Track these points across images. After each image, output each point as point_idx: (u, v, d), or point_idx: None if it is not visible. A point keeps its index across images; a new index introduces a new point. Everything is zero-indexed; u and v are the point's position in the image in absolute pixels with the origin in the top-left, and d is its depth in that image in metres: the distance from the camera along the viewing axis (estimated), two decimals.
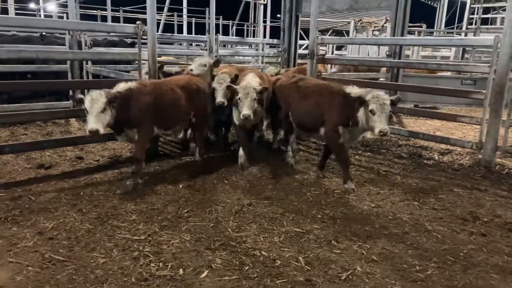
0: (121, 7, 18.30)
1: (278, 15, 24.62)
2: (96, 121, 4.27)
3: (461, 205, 4.49)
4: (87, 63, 8.12)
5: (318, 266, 3.22)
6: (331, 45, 14.02)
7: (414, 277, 3.08)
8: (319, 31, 13.80)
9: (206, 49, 9.27)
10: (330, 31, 17.47)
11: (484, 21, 18.91)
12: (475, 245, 3.59)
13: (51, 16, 18.19)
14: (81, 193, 4.56)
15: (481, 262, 3.32)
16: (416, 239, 3.68)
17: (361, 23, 13.43)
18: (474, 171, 5.65)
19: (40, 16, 18.95)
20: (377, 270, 3.17)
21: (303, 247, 3.52)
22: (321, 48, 8.35)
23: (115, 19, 17.99)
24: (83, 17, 16.36)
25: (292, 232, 3.80)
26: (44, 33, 9.13)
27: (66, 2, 9.70)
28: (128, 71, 8.18)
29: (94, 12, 18.23)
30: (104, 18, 17.75)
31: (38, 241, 3.48)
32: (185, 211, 4.20)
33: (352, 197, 4.65)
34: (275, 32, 18.10)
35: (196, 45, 16.85)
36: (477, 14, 16.99)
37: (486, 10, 18.21)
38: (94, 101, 4.30)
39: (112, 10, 17.33)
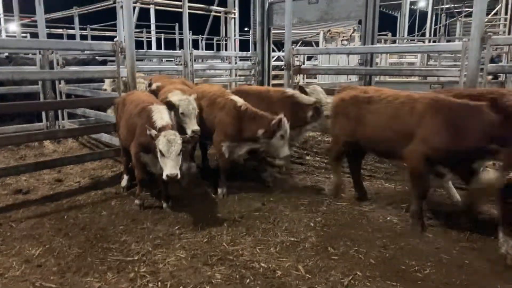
0: (88, 25, 17.97)
1: (246, 28, 24.97)
2: (175, 166, 3.94)
3: (448, 203, 4.63)
4: (60, 83, 7.89)
5: (318, 274, 3.23)
6: (302, 56, 14.28)
7: (414, 278, 3.14)
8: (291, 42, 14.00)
9: (180, 64, 9.25)
10: (300, 42, 17.83)
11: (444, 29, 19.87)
12: (466, 242, 3.71)
13: (14, 37, 17.61)
14: (65, 217, 4.39)
15: (473, 259, 3.42)
16: (410, 240, 3.76)
17: (330, 34, 13.79)
18: None
19: (1, 36, 18.32)
20: (377, 273, 3.21)
21: (300, 256, 3.53)
22: (296, 59, 8.50)
23: (83, 38, 17.63)
24: (49, 36, 15.94)
25: (288, 241, 3.79)
26: (8, 54, 8.85)
27: (31, 22, 9.46)
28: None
29: (60, 31, 17.82)
30: (71, 37, 17.36)
31: (26, 270, 3.31)
32: (176, 228, 4.11)
33: (342, 204, 4.70)
34: (242, 46, 18.31)
35: (167, 60, 16.78)
36: (440, 22, 17.83)
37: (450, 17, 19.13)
38: (172, 143, 3.95)
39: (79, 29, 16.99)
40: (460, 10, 17.84)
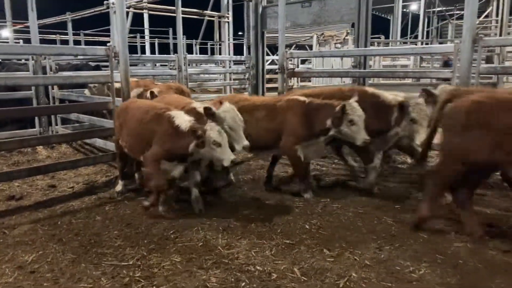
0: (81, 31, 17.95)
1: (239, 32, 25.03)
2: (230, 152, 4.19)
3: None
4: (53, 88, 7.86)
5: (314, 276, 3.22)
6: (296, 59, 14.35)
7: (409, 278, 3.15)
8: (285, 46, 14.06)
9: (175, 68, 9.25)
10: (294, 45, 17.92)
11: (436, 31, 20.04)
12: (461, 242, 3.72)
13: (7, 43, 17.53)
14: (59, 223, 4.36)
15: (467, 258, 3.44)
16: (404, 241, 3.77)
17: (323, 37, 13.89)
18: None
19: None
20: (372, 274, 3.21)
21: (296, 258, 3.52)
22: (289, 62, 8.54)
23: (76, 43, 17.60)
24: (42, 42, 15.90)
25: (283, 244, 3.79)
26: (0, 60, 8.81)
27: (24, 28, 9.43)
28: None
29: (53, 36, 17.77)
30: (64, 42, 17.32)
31: (19, 276, 3.27)
32: (171, 232, 4.09)
33: (337, 206, 4.71)
34: (237, 49, 18.37)
35: (161, 65, 16.78)
36: (432, 25, 17.99)
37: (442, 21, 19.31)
38: (221, 132, 4.18)
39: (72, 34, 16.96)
40: (451, 12, 18.01)
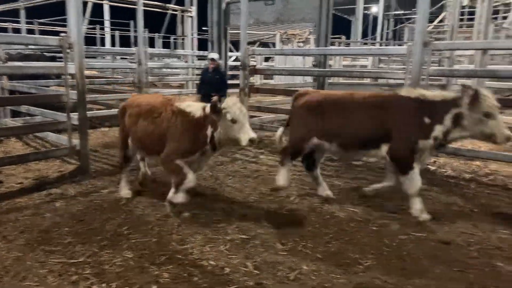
0: (35, 19, 17.09)
1: (204, 28, 24.79)
2: (249, 131, 3.96)
3: (389, 198, 4.85)
4: (1, 79, 7.46)
5: (266, 269, 3.28)
6: (260, 57, 14.43)
7: (356, 270, 3.28)
8: (248, 43, 14.14)
9: (135, 62, 9.05)
10: (257, 43, 17.99)
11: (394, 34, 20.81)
12: (405, 235, 3.92)
13: None
14: (4, 220, 4.16)
15: (411, 249, 3.63)
16: (354, 235, 3.91)
17: (286, 35, 14.04)
18: None
19: None
20: (322, 266, 3.32)
21: (250, 253, 3.56)
22: (252, 59, 8.60)
23: (30, 32, 16.74)
24: None
25: (238, 239, 3.82)
26: None
27: None
28: (48, 86, 7.69)
29: (4, 24, 16.82)
30: (16, 31, 16.44)
31: None
32: (125, 228, 4.02)
33: (293, 201, 4.80)
34: (201, 45, 18.18)
35: (122, 58, 16.33)
36: (387, 28, 18.63)
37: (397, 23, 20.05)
38: (241, 107, 4.00)
39: (26, 23, 16.14)
40: (408, 16, 18.75)
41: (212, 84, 7.58)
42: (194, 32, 17.92)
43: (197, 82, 12.01)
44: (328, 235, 3.91)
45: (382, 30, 19.01)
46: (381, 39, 18.53)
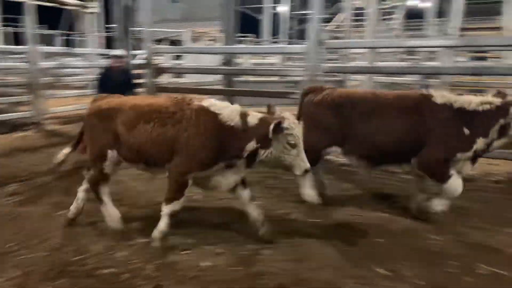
0: None
1: (109, 25, 23.51)
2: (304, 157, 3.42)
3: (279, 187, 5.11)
4: None
5: (166, 271, 3.26)
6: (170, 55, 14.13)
7: (254, 259, 3.44)
8: (156, 40, 13.75)
9: (28, 61, 8.30)
10: (166, 41, 17.59)
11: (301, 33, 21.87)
12: (303, 222, 4.18)
13: None
14: None
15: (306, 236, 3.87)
16: (250, 227, 3.95)
17: (193, 34, 13.95)
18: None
19: None
20: (221, 262, 3.40)
21: (152, 256, 3.50)
22: (158, 57, 8.39)
23: None
24: None
25: (139, 244, 3.72)
26: None
27: None
28: None
29: None
30: None
31: None
32: (13, 244, 3.69)
33: (197, 199, 4.78)
34: (109, 43, 17.25)
35: (12, 57, 14.79)
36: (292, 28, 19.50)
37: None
38: (300, 132, 3.41)
39: None
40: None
41: (117, 85, 7.04)
42: (98, 29, 16.92)
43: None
44: (224, 228, 3.99)
45: (291, 29, 19.86)
46: (290, 38, 19.36)
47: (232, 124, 3.45)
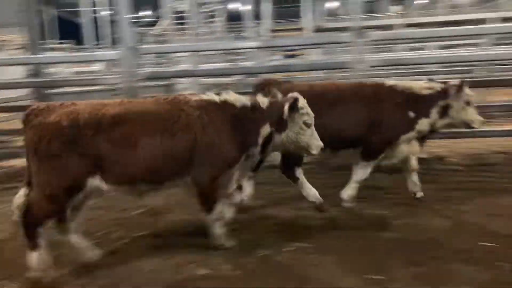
0: None
1: None
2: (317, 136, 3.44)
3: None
4: None
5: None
6: None
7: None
8: None
9: None
10: None
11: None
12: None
13: None
14: None
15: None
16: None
17: None
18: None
19: None
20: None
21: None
22: None
23: None
24: None
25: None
26: None
27: None
28: None
29: None
30: None
31: None
32: None
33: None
34: None
35: None
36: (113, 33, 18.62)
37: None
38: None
39: None
40: (136, 20, 19.28)
41: None
42: None
43: None
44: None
45: (114, 34, 18.84)
46: (113, 43, 18.34)
47: (243, 110, 3.33)
